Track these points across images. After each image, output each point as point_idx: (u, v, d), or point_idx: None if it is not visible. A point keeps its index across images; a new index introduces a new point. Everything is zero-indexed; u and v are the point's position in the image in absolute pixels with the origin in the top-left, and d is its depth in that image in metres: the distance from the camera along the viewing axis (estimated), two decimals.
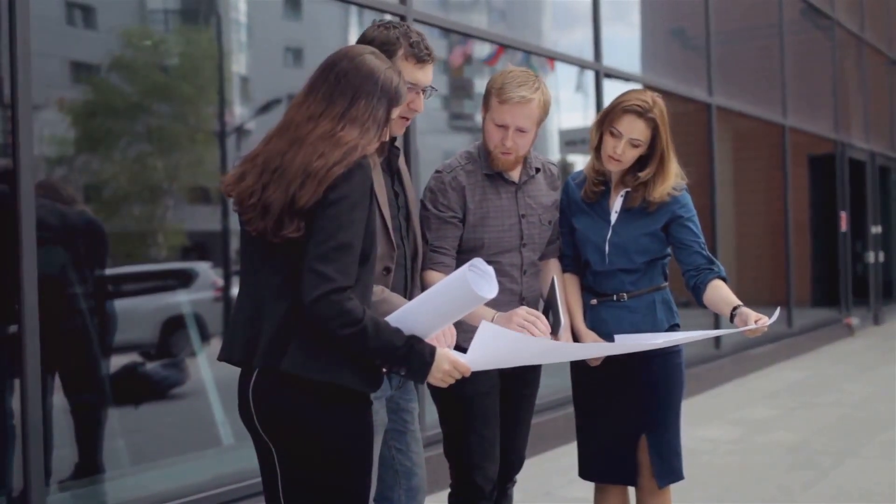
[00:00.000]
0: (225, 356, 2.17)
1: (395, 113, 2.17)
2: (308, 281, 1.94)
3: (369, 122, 2.07)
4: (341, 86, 2.07)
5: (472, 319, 2.44)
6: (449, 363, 2.08)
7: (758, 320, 2.65)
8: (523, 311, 2.63)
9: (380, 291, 2.37)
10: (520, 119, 2.75)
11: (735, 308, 2.76)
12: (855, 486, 4.75)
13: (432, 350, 2.07)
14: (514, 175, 2.90)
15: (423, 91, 2.56)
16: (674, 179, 2.93)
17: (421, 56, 2.50)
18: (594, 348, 2.79)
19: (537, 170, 2.96)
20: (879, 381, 8.15)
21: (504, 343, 2.19)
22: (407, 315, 2.09)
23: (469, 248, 2.85)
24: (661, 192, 2.91)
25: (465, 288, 2.01)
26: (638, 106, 2.85)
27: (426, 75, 2.54)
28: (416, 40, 2.50)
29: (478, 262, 2.07)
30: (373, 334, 1.98)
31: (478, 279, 2.04)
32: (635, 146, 2.88)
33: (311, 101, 2.08)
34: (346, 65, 2.10)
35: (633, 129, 2.85)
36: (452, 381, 2.11)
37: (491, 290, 2.04)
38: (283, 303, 2.03)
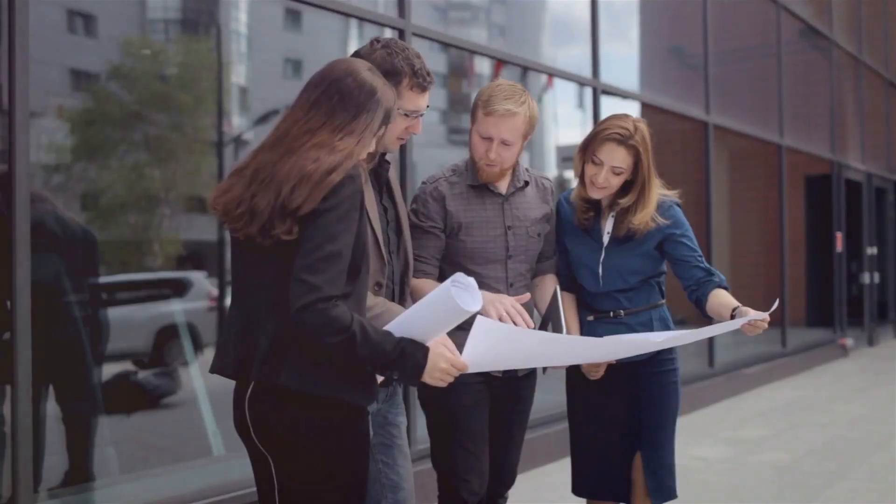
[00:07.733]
0: (217, 368, 2.16)
1: (391, 121, 2.22)
2: (295, 290, 1.94)
3: (365, 133, 2.11)
4: (345, 103, 2.10)
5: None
6: (446, 361, 2.08)
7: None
8: (510, 300, 2.63)
9: (381, 303, 2.37)
10: (504, 132, 2.77)
11: (734, 309, 2.76)
12: None
13: (425, 351, 2.05)
14: (501, 187, 2.91)
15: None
16: (654, 207, 2.91)
17: (425, 85, 2.55)
18: (594, 342, 2.61)
19: (526, 183, 2.96)
20: (873, 402, 8.14)
21: (500, 338, 2.17)
22: (398, 328, 2.09)
23: (452, 257, 2.86)
24: (641, 218, 2.89)
25: (450, 303, 2.01)
26: (618, 134, 2.83)
27: (427, 100, 2.59)
28: (419, 68, 2.53)
29: (459, 276, 2.06)
30: (362, 341, 1.97)
31: (461, 293, 2.03)
32: (617, 174, 2.87)
33: (311, 116, 2.09)
34: (350, 83, 2.12)
35: (614, 158, 2.84)
36: (451, 380, 2.10)
37: (475, 302, 2.03)
38: (276, 316, 2.03)
